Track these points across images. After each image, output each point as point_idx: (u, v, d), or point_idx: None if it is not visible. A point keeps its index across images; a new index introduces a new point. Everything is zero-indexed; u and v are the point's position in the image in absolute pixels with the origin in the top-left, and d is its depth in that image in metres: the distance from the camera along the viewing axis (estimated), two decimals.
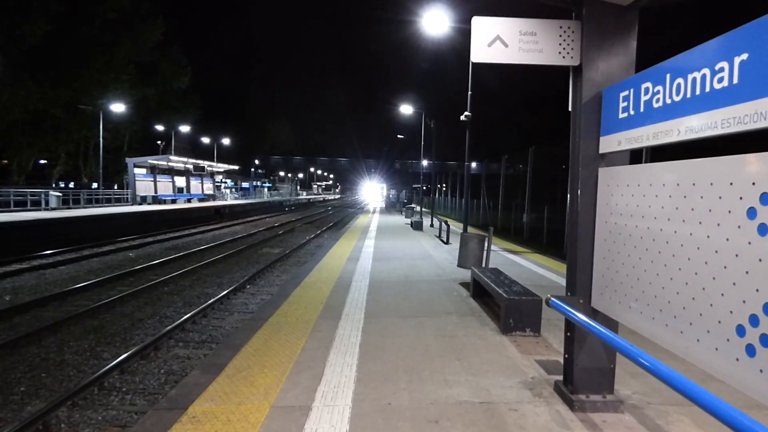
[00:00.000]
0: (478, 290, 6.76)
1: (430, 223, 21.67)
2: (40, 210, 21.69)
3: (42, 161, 42.07)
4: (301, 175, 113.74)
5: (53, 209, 22.25)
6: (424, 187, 35.87)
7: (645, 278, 2.65)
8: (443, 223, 15.52)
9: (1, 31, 27.28)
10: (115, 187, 42.04)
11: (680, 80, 2.45)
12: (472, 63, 3.62)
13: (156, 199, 32.11)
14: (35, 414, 4.31)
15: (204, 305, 8.29)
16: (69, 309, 8.24)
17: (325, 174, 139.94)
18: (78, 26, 32.49)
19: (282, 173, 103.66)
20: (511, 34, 3.53)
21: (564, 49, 3.49)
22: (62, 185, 42.69)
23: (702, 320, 2.16)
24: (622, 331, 2.94)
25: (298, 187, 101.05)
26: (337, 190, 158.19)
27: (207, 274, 11.80)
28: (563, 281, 8.29)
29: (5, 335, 6.72)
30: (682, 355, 2.28)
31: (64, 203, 24.54)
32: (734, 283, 1.98)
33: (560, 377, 3.60)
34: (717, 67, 2.19)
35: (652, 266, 2.59)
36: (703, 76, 2.29)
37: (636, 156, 3.48)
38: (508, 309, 5.07)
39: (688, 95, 2.39)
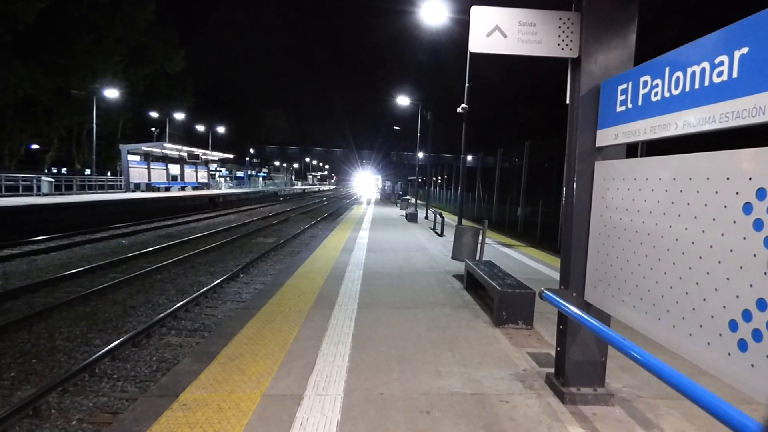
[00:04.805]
0: (471, 282, 6.78)
1: (425, 215, 21.67)
2: (32, 195, 21.45)
3: (34, 146, 41.54)
4: (296, 165, 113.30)
5: (45, 195, 22.02)
6: (420, 179, 35.83)
7: (639, 272, 2.65)
8: (438, 216, 15.53)
9: None
10: (109, 173, 41.61)
11: (679, 74, 2.43)
12: (471, 53, 3.58)
13: (149, 187, 31.86)
14: (25, 399, 4.28)
15: (197, 293, 8.25)
16: (61, 295, 8.18)
17: (321, 164, 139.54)
18: (67, 7, 31.83)
19: (277, 163, 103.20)
20: (510, 25, 3.50)
21: (563, 40, 3.46)
22: (55, 171, 42.23)
23: (695, 315, 2.16)
24: (614, 325, 2.95)
25: (293, 177, 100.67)
26: (332, 181, 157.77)
27: (200, 263, 11.75)
28: (556, 275, 8.33)
29: None
30: (674, 349, 2.29)
31: (57, 189, 24.28)
32: (728, 278, 1.98)
33: (552, 370, 3.61)
34: (716, 61, 2.17)
35: (647, 260, 2.59)
36: (703, 70, 2.27)
37: (631, 151, 3.47)
38: (501, 301, 5.08)
39: (687, 89, 2.37)
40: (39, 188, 22.32)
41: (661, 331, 2.40)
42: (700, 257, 2.15)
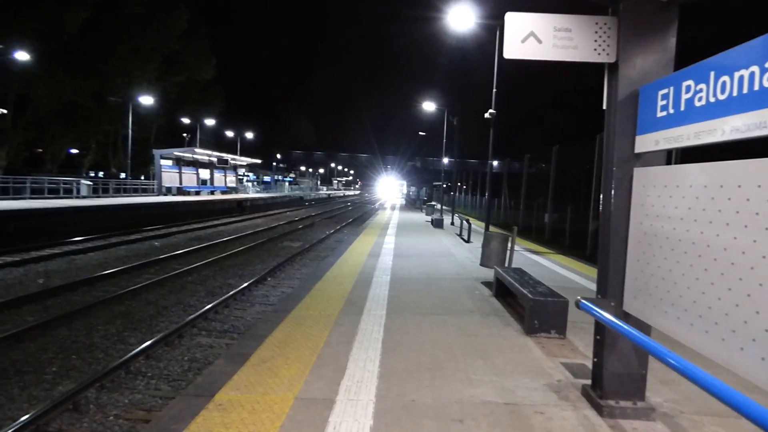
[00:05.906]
0: (500, 290, 6.68)
1: (450, 221, 21.53)
2: (71, 198, 22.40)
3: (73, 151, 43.42)
4: (321, 170, 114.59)
5: (84, 197, 22.96)
6: (445, 185, 35.67)
7: (682, 283, 2.57)
8: (464, 222, 15.40)
9: (44, 20, 28.34)
10: (142, 177, 43.08)
11: (725, 78, 2.36)
12: (505, 59, 3.56)
13: (180, 191, 32.76)
14: (66, 394, 4.45)
15: (226, 296, 8.42)
16: (98, 294, 8.48)
17: (345, 170, 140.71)
18: (106, 18, 33.41)
19: (303, 168, 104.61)
20: (545, 30, 3.46)
21: (599, 45, 3.40)
22: (92, 174, 43.98)
23: (747, 328, 2.07)
24: (653, 336, 2.85)
25: (319, 182, 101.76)
26: (357, 186, 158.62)
27: (229, 266, 11.99)
28: (587, 283, 8.16)
29: (39, 317, 6.97)
30: (723, 363, 2.20)
31: (94, 192, 25.33)
32: None
33: (588, 381, 3.52)
34: (767, 65, 2.10)
35: (691, 270, 2.50)
36: (752, 74, 2.20)
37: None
38: (533, 310, 5.00)
39: (734, 94, 2.30)
40: (78, 191, 23.32)
41: (709, 345, 2.31)
42: (752, 268, 2.06)
